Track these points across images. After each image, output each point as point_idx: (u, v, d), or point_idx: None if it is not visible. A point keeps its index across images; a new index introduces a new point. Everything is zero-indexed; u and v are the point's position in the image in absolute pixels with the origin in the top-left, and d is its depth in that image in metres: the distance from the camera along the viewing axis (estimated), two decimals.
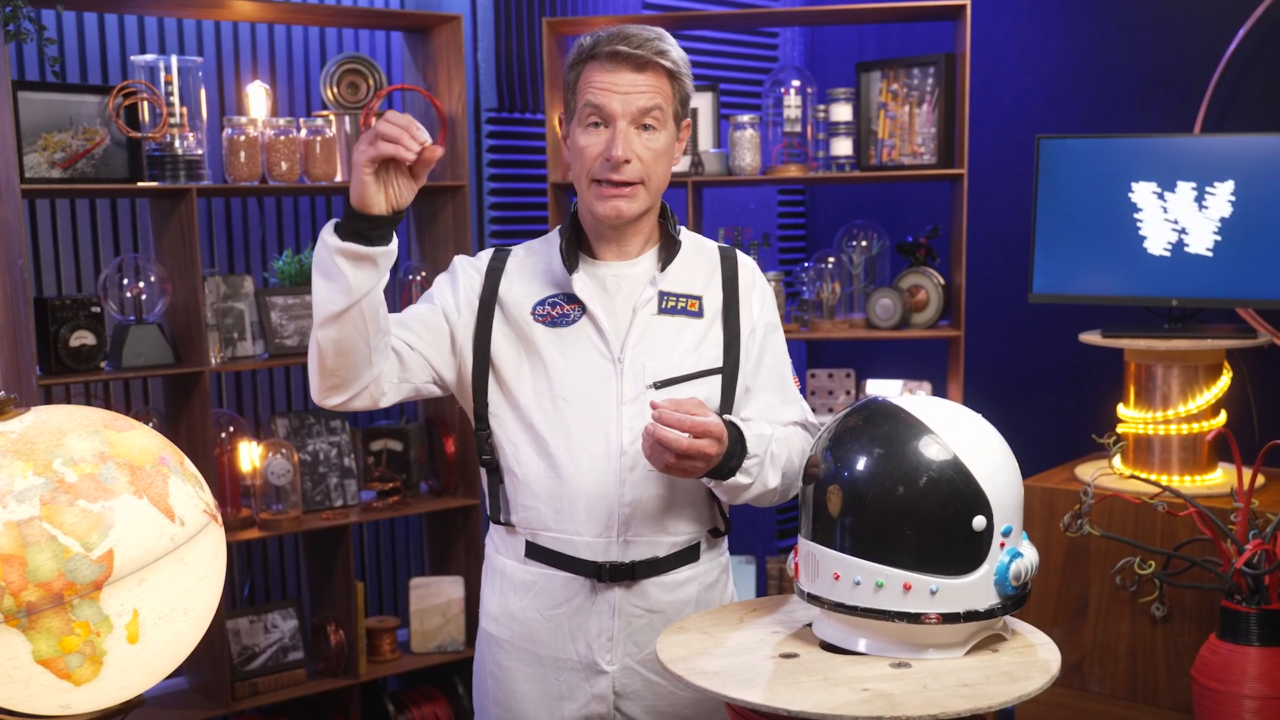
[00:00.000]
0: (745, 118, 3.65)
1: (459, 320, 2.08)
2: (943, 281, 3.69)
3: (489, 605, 2.16)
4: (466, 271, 2.12)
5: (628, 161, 1.97)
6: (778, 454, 2.02)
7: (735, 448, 1.93)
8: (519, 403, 2.06)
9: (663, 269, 2.08)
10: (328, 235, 1.84)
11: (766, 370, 2.13)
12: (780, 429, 2.09)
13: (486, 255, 2.14)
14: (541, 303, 2.07)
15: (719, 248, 2.16)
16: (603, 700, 2.07)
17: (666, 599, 2.08)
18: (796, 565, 1.80)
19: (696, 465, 1.89)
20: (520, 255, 2.14)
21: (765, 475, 1.99)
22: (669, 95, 2.01)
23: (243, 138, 3.23)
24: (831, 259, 3.79)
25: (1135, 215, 3.14)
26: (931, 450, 1.67)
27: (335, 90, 3.47)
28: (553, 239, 2.14)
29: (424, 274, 3.61)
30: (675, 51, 2.02)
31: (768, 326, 2.13)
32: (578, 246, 2.10)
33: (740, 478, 1.96)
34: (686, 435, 1.85)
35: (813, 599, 1.75)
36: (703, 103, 3.72)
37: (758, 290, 2.14)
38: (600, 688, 2.07)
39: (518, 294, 2.09)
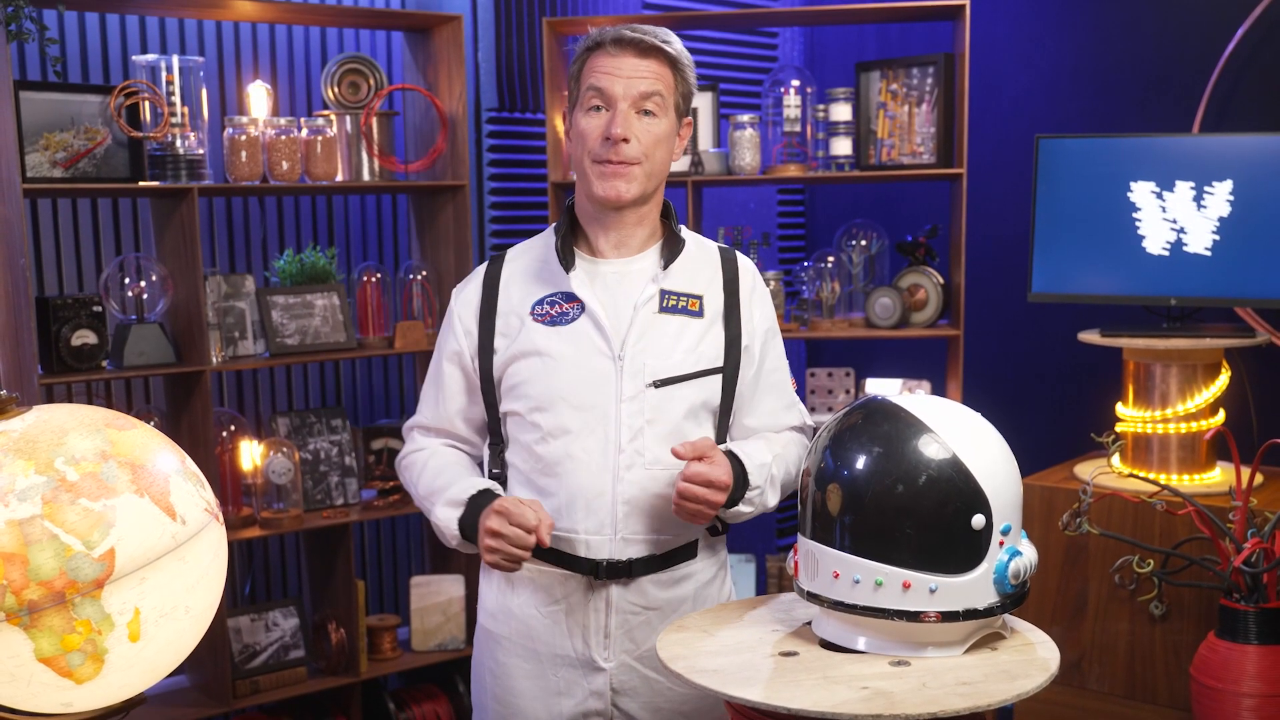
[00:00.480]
0: (745, 117, 3.66)
1: (467, 357, 2.14)
2: (942, 281, 3.69)
3: (487, 601, 2.18)
4: (459, 302, 2.17)
5: (626, 140, 1.99)
6: (777, 475, 2.09)
7: (738, 480, 1.99)
8: (520, 402, 2.07)
9: (665, 267, 2.09)
10: (451, 532, 2.07)
11: (767, 375, 2.15)
12: (779, 444, 2.13)
13: (481, 270, 2.18)
14: (540, 302, 2.08)
15: (719, 248, 2.18)
16: (600, 697, 2.08)
17: (663, 596, 2.09)
18: (796, 563, 1.81)
19: (705, 512, 1.98)
20: (516, 258, 2.16)
21: (766, 499, 2.09)
22: (670, 84, 2.03)
23: (244, 137, 3.23)
24: (831, 258, 3.79)
25: (1134, 215, 3.14)
26: (931, 449, 1.68)
27: (336, 90, 3.48)
28: (550, 237, 2.15)
29: (424, 273, 3.62)
30: (679, 44, 2.07)
31: (767, 333, 2.16)
32: (573, 243, 2.12)
33: (742, 507, 2.06)
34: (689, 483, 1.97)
35: (812, 597, 1.76)
36: (703, 102, 3.73)
37: (758, 295, 2.15)
38: (598, 684, 2.08)
39: (516, 298, 2.11)
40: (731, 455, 2.02)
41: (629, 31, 2.02)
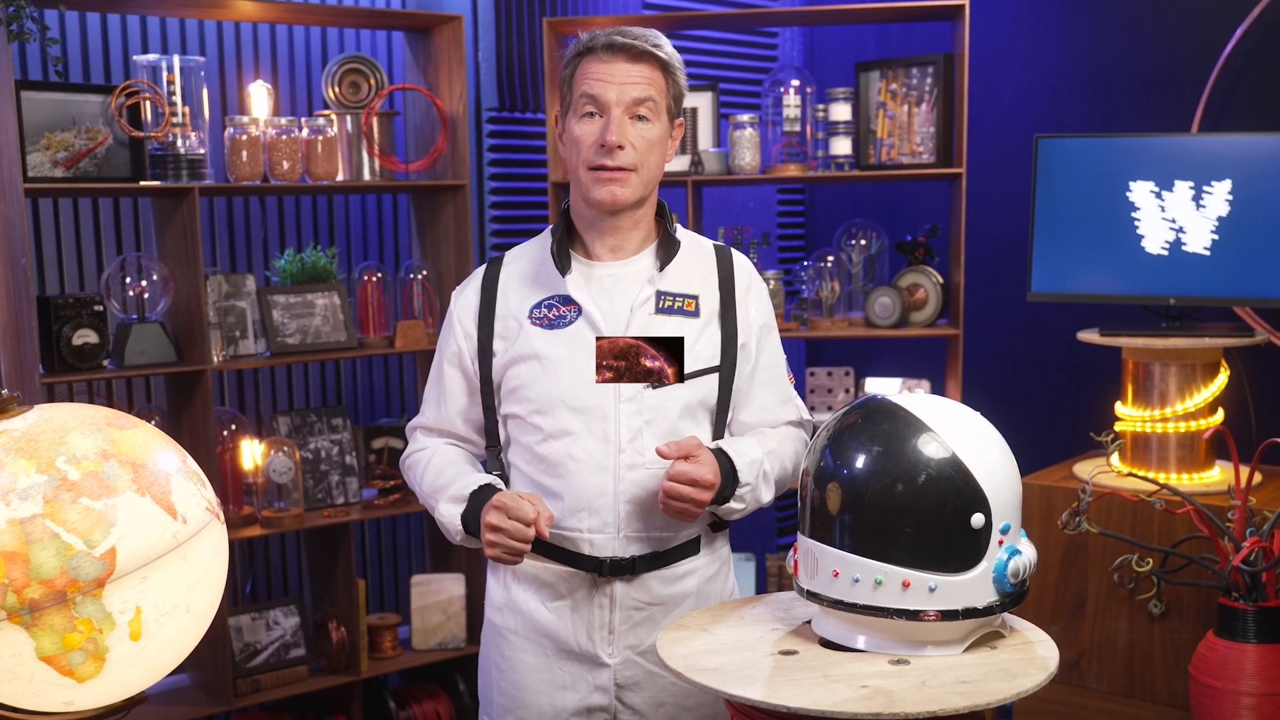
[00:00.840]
0: (745, 117, 3.66)
1: (468, 359, 2.15)
2: (941, 280, 3.70)
3: (494, 596, 2.19)
4: (459, 305, 2.18)
5: (621, 147, 2.01)
6: (770, 471, 2.09)
7: (728, 478, 2.00)
8: (520, 405, 2.08)
9: (661, 269, 2.10)
10: (454, 528, 2.06)
11: (763, 371, 2.16)
12: (773, 440, 2.13)
13: (479, 273, 2.19)
14: (538, 305, 2.10)
15: (714, 246, 2.19)
16: (604, 691, 2.09)
17: (667, 592, 2.10)
18: (796, 562, 1.81)
19: (691, 510, 1.98)
20: (514, 261, 2.18)
21: (759, 494, 2.09)
22: (663, 89, 2.05)
23: (244, 137, 3.24)
24: (830, 258, 3.79)
25: (1133, 214, 3.15)
26: (930, 448, 1.68)
27: (337, 90, 3.48)
28: (546, 239, 2.16)
29: (424, 273, 3.62)
30: (670, 48, 2.08)
31: (763, 329, 2.16)
32: (570, 247, 2.12)
33: (734, 504, 2.06)
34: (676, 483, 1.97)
35: (812, 596, 1.76)
36: (702, 102, 3.73)
37: (754, 292, 2.16)
38: (602, 679, 2.09)
39: (514, 301, 2.12)
40: (721, 453, 2.03)
41: (620, 37, 2.02)
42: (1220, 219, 3.06)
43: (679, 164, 3.68)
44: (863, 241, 3.81)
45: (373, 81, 3.51)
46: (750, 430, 2.16)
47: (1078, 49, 3.88)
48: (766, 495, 2.10)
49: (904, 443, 1.69)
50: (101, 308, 3.08)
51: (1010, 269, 3.89)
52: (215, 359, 3.24)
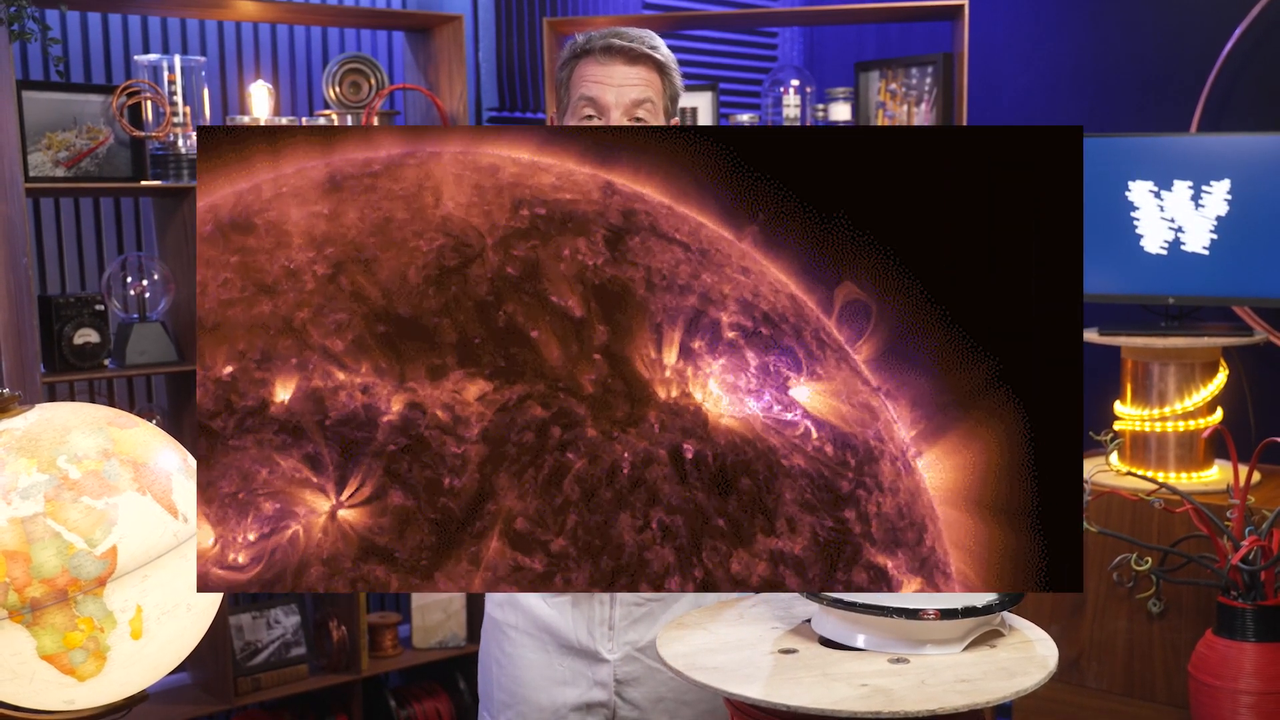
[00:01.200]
0: (744, 117, 3.66)
1: None
2: None
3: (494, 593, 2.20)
4: None
5: None
6: None
7: None
8: None
9: None
10: None
11: None
12: None
13: None
14: None
15: None
16: (604, 687, 2.10)
17: None
18: None
19: None
20: None
21: None
22: (660, 90, 2.07)
23: None
24: None
25: (1132, 214, 3.15)
26: None
27: (337, 89, 3.48)
28: None
29: None
30: (665, 49, 2.10)
31: None
32: None
33: None
34: None
35: (811, 594, 1.76)
36: (702, 102, 3.73)
37: None
38: (602, 675, 2.10)
39: None
40: None
41: (617, 39, 2.04)
42: (1219, 218, 3.06)
43: None
44: None
45: (373, 81, 3.51)
46: None
47: (1077, 49, 3.89)
48: None
49: None
50: (102, 307, 3.09)
51: None
52: None
